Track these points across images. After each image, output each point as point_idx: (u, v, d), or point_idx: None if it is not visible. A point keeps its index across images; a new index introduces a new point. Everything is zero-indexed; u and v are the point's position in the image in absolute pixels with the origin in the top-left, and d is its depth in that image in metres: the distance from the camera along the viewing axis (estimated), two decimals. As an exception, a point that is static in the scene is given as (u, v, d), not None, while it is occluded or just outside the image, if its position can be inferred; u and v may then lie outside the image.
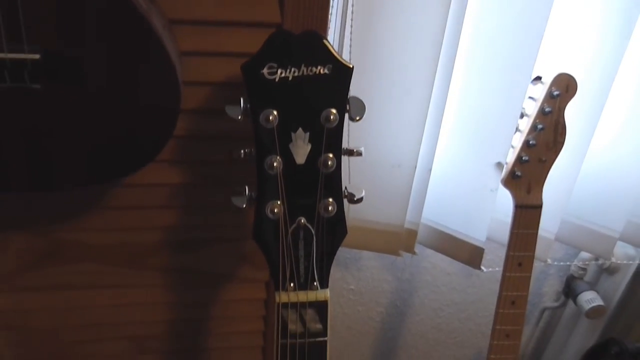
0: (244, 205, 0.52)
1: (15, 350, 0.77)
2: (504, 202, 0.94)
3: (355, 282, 1.23)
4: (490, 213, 0.96)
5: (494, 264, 1.13)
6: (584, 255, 1.15)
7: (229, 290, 0.77)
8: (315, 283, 0.52)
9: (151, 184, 0.66)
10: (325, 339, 0.54)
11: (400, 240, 1.00)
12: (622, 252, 1.09)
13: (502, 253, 0.91)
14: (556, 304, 1.25)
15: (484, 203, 0.95)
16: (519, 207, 0.87)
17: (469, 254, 1.01)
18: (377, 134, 0.91)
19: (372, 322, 1.31)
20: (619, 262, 1.08)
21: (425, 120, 0.88)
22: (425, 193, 0.95)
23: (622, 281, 1.12)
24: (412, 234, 1.00)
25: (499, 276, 0.91)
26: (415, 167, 0.93)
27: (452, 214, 1.00)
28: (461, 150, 0.94)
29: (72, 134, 0.50)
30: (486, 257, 1.05)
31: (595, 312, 1.12)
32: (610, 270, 1.13)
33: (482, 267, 1.02)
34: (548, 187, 0.86)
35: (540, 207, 0.87)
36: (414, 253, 1.03)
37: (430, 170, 0.93)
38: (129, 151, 0.53)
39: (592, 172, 0.99)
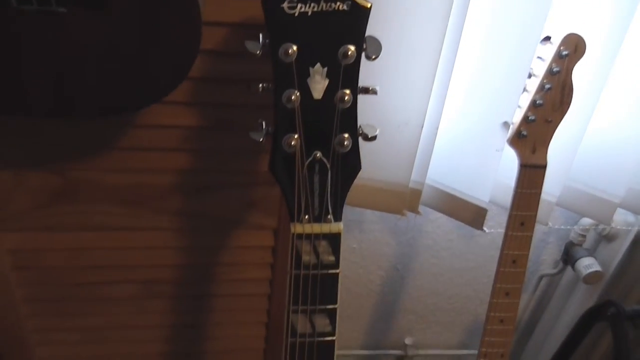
0: (261, 139, 0.53)
1: (27, 290, 0.79)
2: (507, 165, 0.95)
3: (357, 244, 1.25)
4: (494, 174, 0.98)
5: (495, 227, 1.15)
6: (584, 222, 1.16)
7: (237, 237, 0.79)
8: (329, 216, 0.54)
9: (165, 126, 0.67)
10: (337, 271, 0.55)
11: (404, 200, 1.02)
12: (621, 219, 1.11)
13: (503, 217, 0.92)
14: (554, 271, 1.27)
15: (489, 163, 0.96)
16: (523, 167, 0.88)
17: (472, 215, 1.02)
18: (384, 92, 0.91)
19: (372, 286, 1.33)
20: (618, 228, 1.10)
21: (434, 79, 0.89)
22: (432, 152, 0.96)
23: (620, 248, 1.14)
24: (416, 194, 1.02)
25: (498, 243, 0.92)
26: (422, 126, 0.94)
27: (457, 174, 1.01)
28: (468, 110, 0.95)
29: (93, 60, 0.51)
30: (487, 220, 1.06)
31: (593, 278, 1.14)
32: (609, 237, 1.15)
33: (485, 228, 1.04)
34: (551, 151, 0.87)
35: (544, 167, 0.88)
36: (418, 213, 1.04)
37: (437, 129, 0.94)
38: (146, 83, 0.54)
39: (595, 137, 1.00)
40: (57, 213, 0.72)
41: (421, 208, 1.07)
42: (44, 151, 0.68)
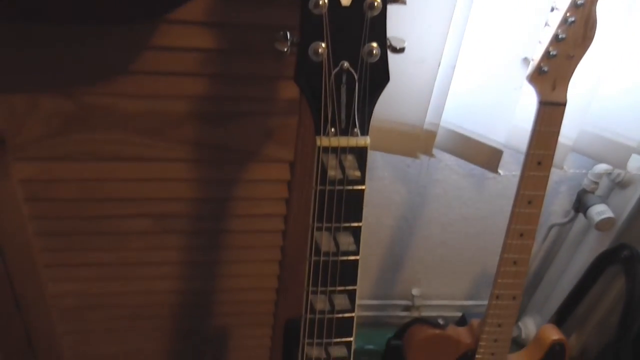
0: (286, 50, 0.51)
1: (40, 223, 0.78)
2: (523, 108, 0.94)
3: (367, 192, 1.24)
4: (511, 115, 0.96)
5: (509, 173, 1.14)
6: (598, 168, 1.15)
7: (253, 170, 0.77)
8: (355, 129, 0.52)
9: (181, 48, 0.65)
10: (363, 187, 0.54)
11: (418, 142, 1.00)
12: (636, 165, 1.10)
13: (517, 164, 0.91)
14: (565, 220, 1.26)
15: (506, 102, 0.95)
16: (543, 104, 0.86)
17: (487, 157, 1.01)
18: (401, 28, 0.89)
19: (381, 235, 1.32)
20: (633, 173, 1.09)
21: (452, 14, 0.87)
22: (447, 91, 0.94)
23: (633, 195, 1.13)
24: (431, 136, 1.00)
25: (509, 193, 0.91)
26: (439, 64, 0.92)
27: (473, 115, 1.00)
28: (487, 47, 0.93)
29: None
30: (502, 165, 1.05)
31: (605, 224, 1.13)
32: (623, 184, 1.14)
33: (500, 171, 1.03)
34: (569, 93, 0.85)
35: (564, 104, 0.86)
36: (432, 156, 1.03)
37: (454, 67, 0.92)
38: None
39: (614, 79, 0.99)
40: (70, 141, 0.70)
41: (435, 152, 1.06)
42: (58, 75, 0.66)
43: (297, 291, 0.59)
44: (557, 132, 0.88)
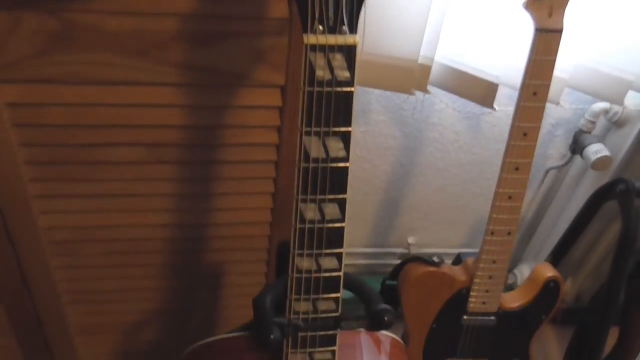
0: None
1: (29, 152, 0.77)
2: (518, 44, 0.92)
3: (362, 136, 1.23)
4: (506, 48, 0.95)
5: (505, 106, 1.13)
6: (594, 108, 1.14)
7: (243, 95, 0.76)
8: (344, 27, 0.51)
9: (167, -38, 0.64)
10: (352, 89, 0.53)
11: (413, 78, 0.99)
12: (633, 102, 1.09)
13: (512, 101, 0.89)
14: (561, 162, 1.25)
15: (501, 35, 0.93)
16: (539, 31, 0.84)
17: (483, 92, 1.00)
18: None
19: (377, 182, 1.31)
20: (630, 109, 1.08)
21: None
22: (442, 23, 0.93)
23: (630, 133, 1.12)
24: (425, 70, 0.99)
25: (505, 137, 0.90)
26: (433, -7, 0.90)
27: (467, 48, 0.98)
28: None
29: None
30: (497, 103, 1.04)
31: (601, 163, 1.13)
32: (619, 123, 1.13)
33: (495, 106, 1.02)
34: (566, 24, 0.83)
35: (560, 31, 0.84)
36: (426, 92, 1.02)
37: (449, -4, 0.90)
38: None
39: (612, 11, 0.97)
40: (55, 62, 0.69)
41: (430, 90, 1.04)
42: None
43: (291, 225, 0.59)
44: (553, 61, 0.87)
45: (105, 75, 0.71)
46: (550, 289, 1.04)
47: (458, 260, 1.10)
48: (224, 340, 0.72)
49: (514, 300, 1.07)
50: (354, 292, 0.65)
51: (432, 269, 1.02)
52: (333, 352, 0.64)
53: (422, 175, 1.32)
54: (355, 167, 1.27)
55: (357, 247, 1.43)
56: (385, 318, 0.59)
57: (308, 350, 0.63)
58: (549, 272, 1.05)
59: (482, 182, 1.34)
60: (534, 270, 1.08)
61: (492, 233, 0.99)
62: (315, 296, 0.61)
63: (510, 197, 0.96)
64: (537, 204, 1.38)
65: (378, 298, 0.64)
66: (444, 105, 1.19)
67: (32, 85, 0.71)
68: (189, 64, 0.72)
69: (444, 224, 1.42)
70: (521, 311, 1.06)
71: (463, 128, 1.24)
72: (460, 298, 1.04)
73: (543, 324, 1.09)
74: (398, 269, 1.08)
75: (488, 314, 1.05)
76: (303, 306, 0.61)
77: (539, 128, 0.91)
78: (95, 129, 0.76)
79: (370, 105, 1.18)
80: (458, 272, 1.05)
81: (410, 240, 1.43)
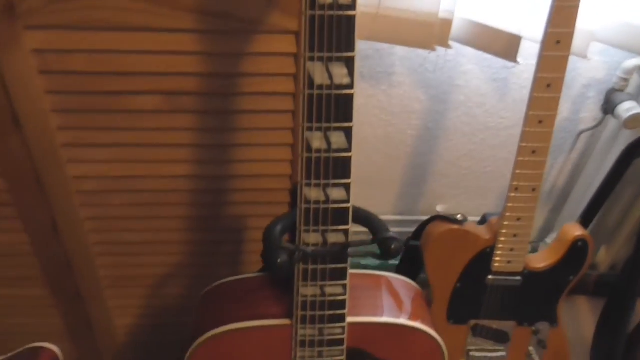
0: None
1: (56, 99, 0.80)
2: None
3: (387, 99, 1.22)
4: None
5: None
6: (627, 65, 1.10)
7: (259, 42, 0.77)
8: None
9: None
10: (354, 13, 0.53)
11: (434, 32, 0.98)
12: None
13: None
14: (593, 124, 1.22)
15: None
16: (562, -26, 0.82)
17: (505, 45, 0.98)
18: None
19: (403, 147, 1.31)
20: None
21: None
22: (463, -27, 0.92)
23: (665, 90, 1.08)
24: (446, 25, 0.98)
25: None
26: (453, -58, 0.89)
27: (489, 0, 0.97)
28: None
29: None
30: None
31: (634, 121, 1.09)
32: (653, 80, 1.09)
33: (518, 60, 1.00)
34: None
35: (583, -27, 0.82)
36: (448, 47, 1.01)
37: (469, -55, 0.89)
38: None
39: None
40: (77, 7, 0.71)
41: (453, 50, 1.03)
42: None
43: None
44: (576, 7, 0.84)
45: (125, 20, 0.74)
46: (578, 249, 1.02)
47: (483, 220, 1.09)
48: (244, 279, 0.74)
49: (540, 261, 1.05)
50: (362, 224, 0.65)
51: (455, 226, 1.01)
52: (344, 286, 0.65)
53: (448, 141, 1.30)
54: (380, 132, 1.27)
55: (384, 215, 1.42)
56: (392, 246, 0.59)
57: (319, 283, 0.64)
58: (577, 231, 1.02)
59: (511, 148, 1.31)
60: (561, 230, 1.06)
61: (516, 189, 0.97)
62: (325, 228, 0.61)
63: (534, 152, 0.94)
64: (570, 170, 1.35)
65: (386, 228, 0.64)
66: (469, 67, 1.18)
67: (55, 30, 0.74)
68: (204, 9, 0.73)
69: (472, 191, 1.40)
70: (548, 272, 1.04)
71: (490, 90, 1.22)
72: (484, 257, 1.03)
73: (571, 286, 1.06)
74: (421, 228, 1.08)
75: (513, 274, 1.04)
76: (313, 238, 0.62)
77: (562, 79, 0.89)
78: (117, 76, 0.79)
79: (394, 67, 1.18)
80: (482, 231, 1.03)
81: (439, 208, 1.41)
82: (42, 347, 0.74)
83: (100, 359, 1.22)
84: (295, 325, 0.67)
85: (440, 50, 1.01)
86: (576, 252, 1.02)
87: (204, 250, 1.01)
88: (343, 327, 0.67)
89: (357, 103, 1.23)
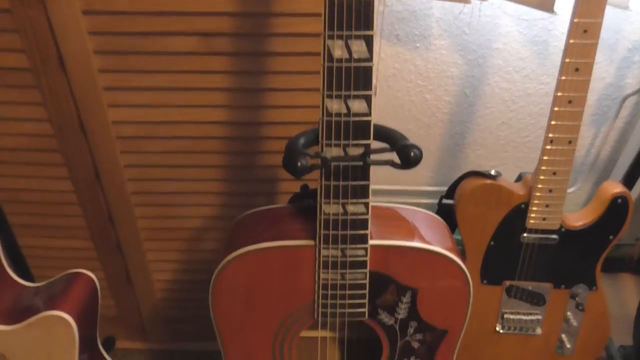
0: None
1: (98, 39, 0.84)
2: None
3: (423, 64, 1.22)
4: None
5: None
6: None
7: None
8: None
9: None
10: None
11: (468, -17, 0.98)
12: None
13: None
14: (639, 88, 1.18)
15: None
16: None
17: (541, -6, 0.97)
18: None
19: (439, 114, 1.30)
20: None
21: None
22: None
23: None
24: (481, -25, 0.97)
25: None
26: None
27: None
28: None
29: None
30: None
31: (680, 80, 1.05)
32: (701, 36, 1.05)
33: (555, 10, 0.98)
34: None
35: None
36: (482, -1, 1.00)
37: None
38: None
39: None
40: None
41: (488, 15, 1.02)
42: None
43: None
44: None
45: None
46: (617, 206, 0.99)
47: (519, 179, 1.07)
48: (271, 209, 0.75)
49: (578, 219, 1.03)
50: (382, 139, 0.65)
51: (488, 181, 1.00)
52: (366, 204, 0.65)
53: (486, 108, 1.29)
54: (416, 99, 1.27)
55: (421, 186, 1.42)
56: (412, 153, 0.59)
57: (341, 200, 0.65)
58: (616, 188, 1.00)
59: (552, 116, 1.29)
60: (600, 188, 1.03)
61: (552, 142, 0.95)
62: (346, 142, 0.62)
63: (570, 102, 0.92)
64: (614, 138, 1.31)
65: (405, 137, 0.64)
66: (508, 29, 1.16)
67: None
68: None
69: (511, 162, 1.38)
70: (586, 230, 1.01)
71: (529, 54, 1.20)
72: (519, 214, 1.01)
73: (610, 247, 1.03)
74: (454, 185, 1.07)
75: (549, 232, 1.01)
76: (334, 151, 0.63)
77: (600, 25, 0.88)
78: (154, 16, 0.82)
79: (431, 29, 1.18)
80: (517, 187, 1.02)
81: (476, 179, 1.39)
82: (79, 272, 0.77)
83: (138, 314, 1.25)
84: (318, 246, 0.67)
85: (477, 9, 1.00)
86: (616, 209, 0.99)
87: (237, 202, 1.03)
88: (365, 249, 0.67)
89: (393, 68, 1.24)
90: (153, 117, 0.92)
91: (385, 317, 0.74)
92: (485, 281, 1.07)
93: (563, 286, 1.06)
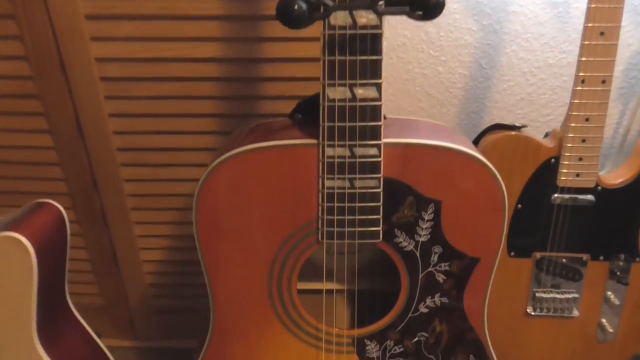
0: None
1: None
2: None
3: (435, 31, 1.15)
4: None
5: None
6: None
7: None
8: None
9: None
10: None
11: None
12: None
13: None
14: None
15: None
16: None
17: None
18: None
19: (454, 89, 1.21)
20: None
21: None
22: None
23: None
24: None
25: None
26: None
27: None
28: None
29: None
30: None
31: None
32: None
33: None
34: None
35: None
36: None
37: None
38: None
39: None
40: None
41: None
42: None
43: None
44: None
45: None
46: (661, 159, 0.88)
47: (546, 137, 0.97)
48: (272, 121, 0.65)
49: (616, 177, 0.91)
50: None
51: (513, 133, 0.90)
52: (378, 86, 0.54)
53: (504, 82, 1.20)
54: (428, 72, 1.19)
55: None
56: None
57: (348, 81, 0.54)
58: (658, 137, 0.89)
59: (576, 89, 1.19)
60: (638, 143, 0.92)
61: (583, 82, 0.86)
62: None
63: (602, 34, 0.83)
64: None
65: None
66: (525, -10, 1.09)
67: None
68: None
69: (533, 144, 1.27)
70: (626, 188, 0.90)
71: (549, 18, 1.13)
72: (548, 170, 0.90)
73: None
74: (477, 140, 0.97)
75: (584, 192, 0.90)
76: (340, 19, 0.53)
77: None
78: None
79: (443, -8, 1.10)
80: (545, 140, 0.92)
81: (495, 164, 1.28)
82: (45, 202, 0.67)
83: (125, 304, 1.13)
84: (321, 143, 0.57)
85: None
86: (659, 163, 0.88)
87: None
88: (379, 146, 0.56)
89: (402, 36, 1.16)
90: (140, 52, 0.83)
91: (403, 240, 0.61)
92: (512, 253, 0.94)
93: (602, 257, 0.93)
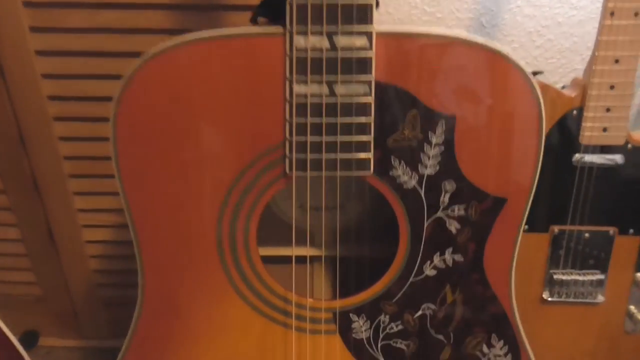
0: None
1: None
2: None
3: (429, -18, 1.01)
4: None
5: None
6: None
7: None
8: None
9: None
10: None
11: None
12: None
13: None
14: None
15: None
16: None
17: None
18: None
19: (451, 52, 1.07)
20: None
21: None
22: None
23: None
24: None
25: None
26: None
27: None
28: None
29: None
30: None
31: None
32: None
33: None
34: None
35: None
36: None
37: None
38: None
39: None
40: None
41: None
42: None
43: None
44: None
45: None
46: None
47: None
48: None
49: (649, 133, 0.77)
50: None
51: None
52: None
53: (507, 43, 1.07)
54: (422, 30, 1.04)
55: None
56: None
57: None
58: (699, 86, 0.74)
59: (588, 54, 1.06)
60: (674, 93, 0.78)
61: (612, 14, 0.72)
62: None
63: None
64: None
65: None
66: None
67: None
68: None
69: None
70: (662, 147, 0.76)
71: (558, -31, 1.00)
72: (569, 124, 0.76)
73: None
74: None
75: (612, 150, 0.76)
76: None
77: None
78: None
79: None
80: (566, 90, 0.77)
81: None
82: None
83: (67, 294, 0.96)
84: (289, 29, 0.40)
85: None
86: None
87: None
88: (369, 35, 0.40)
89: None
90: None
91: (403, 174, 0.45)
92: (526, 227, 0.78)
93: (632, 231, 0.79)
